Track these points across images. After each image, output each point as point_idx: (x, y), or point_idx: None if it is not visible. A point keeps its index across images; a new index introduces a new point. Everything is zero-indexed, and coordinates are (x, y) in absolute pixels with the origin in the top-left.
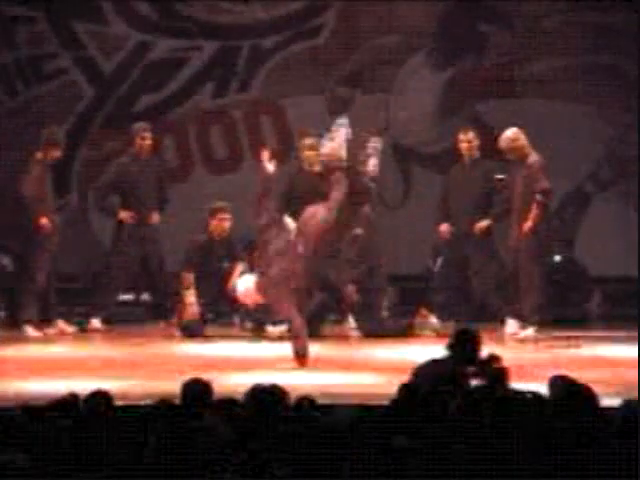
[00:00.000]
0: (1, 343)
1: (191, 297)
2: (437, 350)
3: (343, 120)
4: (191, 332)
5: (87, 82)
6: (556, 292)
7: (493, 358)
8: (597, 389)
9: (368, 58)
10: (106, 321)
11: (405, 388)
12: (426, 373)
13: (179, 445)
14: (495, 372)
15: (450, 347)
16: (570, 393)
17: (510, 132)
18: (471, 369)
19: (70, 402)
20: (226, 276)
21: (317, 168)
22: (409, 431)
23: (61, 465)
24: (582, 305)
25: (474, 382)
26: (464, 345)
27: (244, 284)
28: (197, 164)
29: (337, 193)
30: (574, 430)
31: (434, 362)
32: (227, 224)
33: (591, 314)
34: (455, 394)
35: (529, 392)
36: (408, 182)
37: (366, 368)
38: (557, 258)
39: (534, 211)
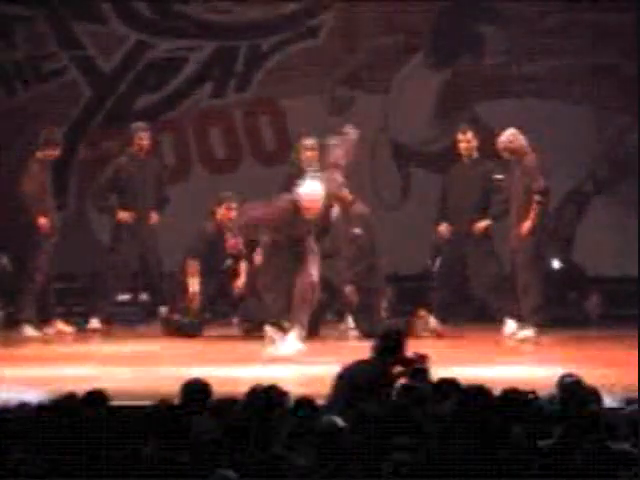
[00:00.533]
0: (0, 343)
1: (195, 285)
2: (436, 350)
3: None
4: (189, 332)
5: (86, 82)
6: (555, 292)
7: (419, 357)
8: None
9: (367, 58)
10: (105, 321)
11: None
12: (352, 374)
13: (177, 445)
14: (417, 371)
15: (375, 348)
16: (578, 392)
17: (508, 133)
18: (397, 369)
19: (68, 401)
20: (227, 275)
21: (316, 168)
22: (409, 431)
23: (59, 464)
24: (581, 305)
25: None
26: (389, 345)
27: (310, 188)
28: (196, 164)
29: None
30: (577, 429)
31: (360, 363)
32: (234, 213)
33: (590, 314)
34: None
35: (529, 392)
36: (407, 182)
37: None
38: (556, 264)
39: (533, 211)
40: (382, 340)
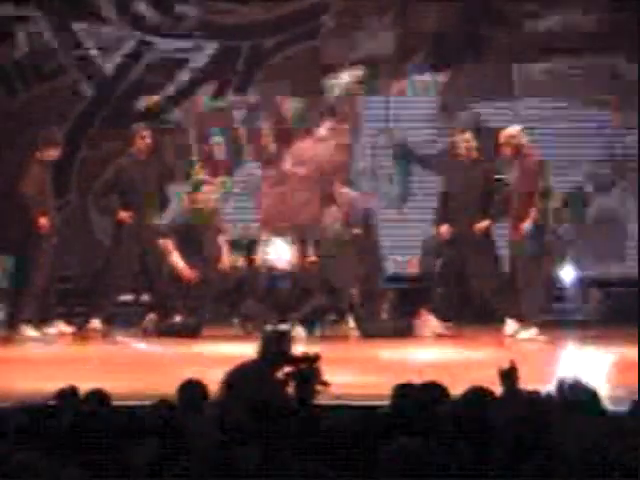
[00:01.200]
0: (0, 343)
1: (179, 261)
2: (436, 350)
3: None
4: (189, 332)
5: (87, 82)
6: (555, 292)
7: (308, 357)
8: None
9: (367, 58)
10: (105, 321)
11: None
12: (237, 376)
13: (175, 446)
14: (306, 372)
15: (260, 349)
16: (578, 392)
17: (511, 128)
18: (285, 369)
19: (69, 395)
20: (226, 275)
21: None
22: (409, 431)
23: (58, 464)
24: (581, 305)
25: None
26: (274, 346)
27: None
28: (196, 164)
29: None
30: (577, 429)
31: (245, 365)
32: (209, 189)
33: (590, 314)
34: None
35: (530, 391)
36: (408, 182)
37: (366, 369)
38: (558, 265)
39: (533, 212)
40: (266, 342)
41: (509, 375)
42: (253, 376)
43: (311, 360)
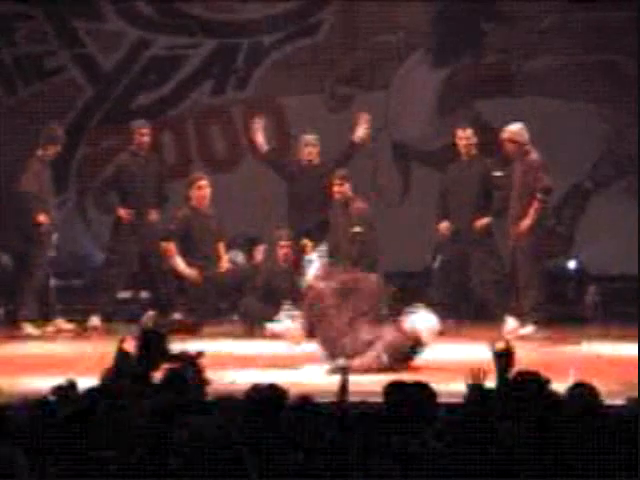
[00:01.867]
0: (0, 341)
1: (181, 264)
2: (436, 349)
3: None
4: (190, 329)
5: (86, 79)
6: (555, 290)
7: (189, 355)
8: (596, 388)
9: (367, 56)
10: (105, 319)
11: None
12: (116, 373)
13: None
14: (184, 370)
15: (138, 347)
16: (575, 392)
17: (515, 126)
18: (165, 367)
19: (67, 389)
20: (223, 272)
21: (316, 163)
22: (408, 431)
23: (54, 463)
24: (581, 303)
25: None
26: (151, 345)
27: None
28: (196, 162)
29: None
30: (576, 429)
31: (126, 363)
32: (206, 191)
33: (589, 311)
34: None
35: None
36: (407, 180)
37: None
38: (559, 263)
39: (533, 209)
40: (143, 340)
41: (503, 355)
42: (131, 373)
43: (191, 358)
